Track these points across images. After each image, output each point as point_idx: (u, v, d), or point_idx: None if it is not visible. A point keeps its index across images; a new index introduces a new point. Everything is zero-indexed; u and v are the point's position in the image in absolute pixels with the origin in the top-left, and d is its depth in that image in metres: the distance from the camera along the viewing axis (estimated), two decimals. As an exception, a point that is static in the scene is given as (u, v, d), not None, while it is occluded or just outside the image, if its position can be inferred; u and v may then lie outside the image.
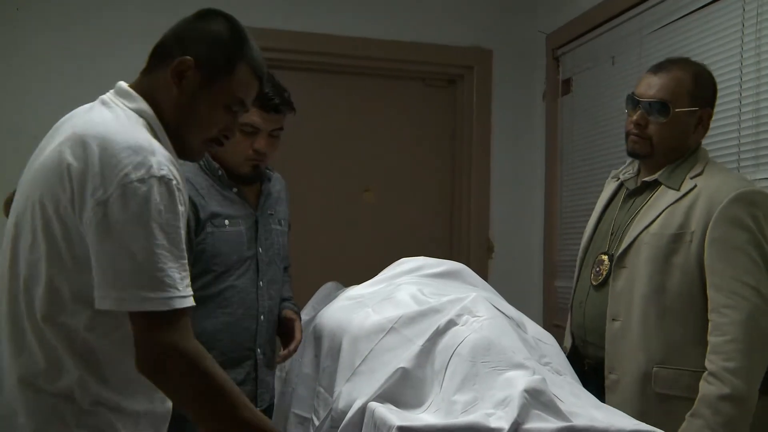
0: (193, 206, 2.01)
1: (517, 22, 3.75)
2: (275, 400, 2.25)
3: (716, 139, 2.48)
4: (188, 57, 1.42)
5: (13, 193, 1.51)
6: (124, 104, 1.42)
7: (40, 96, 3.20)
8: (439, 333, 1.73)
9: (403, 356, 1.70)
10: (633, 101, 2.10)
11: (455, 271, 2.19)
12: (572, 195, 3.47)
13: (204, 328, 1.96)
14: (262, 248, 2.16)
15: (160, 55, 1.47)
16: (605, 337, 2.05)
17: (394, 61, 3.63)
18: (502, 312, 1.86)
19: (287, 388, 2.21)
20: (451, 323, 1.76)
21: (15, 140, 3.17)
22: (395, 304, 1.88)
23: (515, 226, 3.76)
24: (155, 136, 1.39)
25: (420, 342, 1.72)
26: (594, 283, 2.13)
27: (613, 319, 2.04)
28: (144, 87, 1.45)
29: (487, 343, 1.67)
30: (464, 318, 1.78)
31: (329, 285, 2.50)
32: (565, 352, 2.04)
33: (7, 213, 1.57)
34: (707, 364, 1.87)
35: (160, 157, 1.31)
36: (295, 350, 2.15)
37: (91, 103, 1.47)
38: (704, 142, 2.47)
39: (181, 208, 1.33)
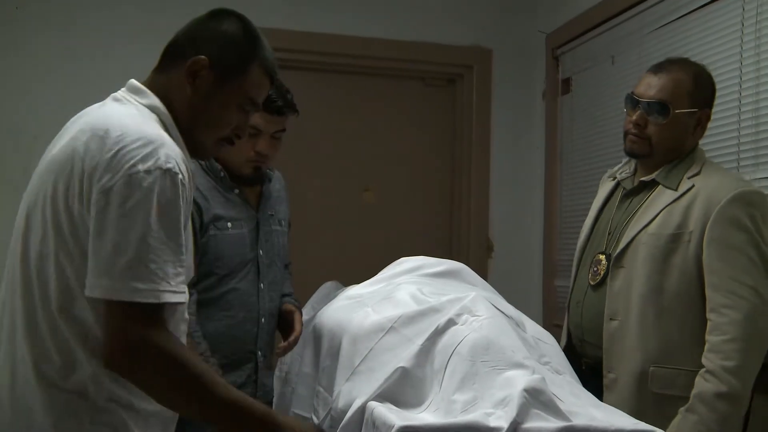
0: (197, 208, 2.01)
1: (517, 21, 3.75)
2: (275, 400, 2.25)
3: (716, 139, 2.48)
4: (202, 56, 1.43)
5: None
6: (137, 100, 1.43)
7: (40, 96, 3.20)
8: (439, 332, 1.73)
9: (403, 356, 1.69)
10: (632, 101, 2.10)
11: (455, 271, 2.18)
12: (572, 194, 3.47)
13: (206, 331, 1.96)
14: (262, 250, 2.16)
15: (173, 54, 1.48)
16: (603, 337, 2.06)
17: (393, 60, 3.64)
18: (502, 311, 1.86)
19: (287, 387, 2.21)
20: (450, 323, 1.76)
21: (15, 140, 3.18)
22: (395, 304, 1.88)
23: (515, 226, 3.77)
24: (167, 132, 1.40)
25: (419, 341, 1.71)
26: (592, 283, 2.14)
27: (610, 319, 2.05)
28: (157, 85, 1.45)
29: (487, 342, 1.67)
30: (464, 317, 1.78)
31: (329, 284, 2.50)
32: (561, 351, 2.05)
33: None
34: (705, 362, 1.88)
35: (169, 151, 1.32)
36: (295, 342, 2.14)
37: (103, 101, 1.47)
38: (704, 141, 2.48)
39: (183, 204, 1.32)
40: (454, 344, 1.68)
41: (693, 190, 2.00)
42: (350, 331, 1.84)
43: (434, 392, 1.64)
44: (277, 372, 2.30)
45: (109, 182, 1.27)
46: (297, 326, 2.17)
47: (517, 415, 1.45)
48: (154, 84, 1.46)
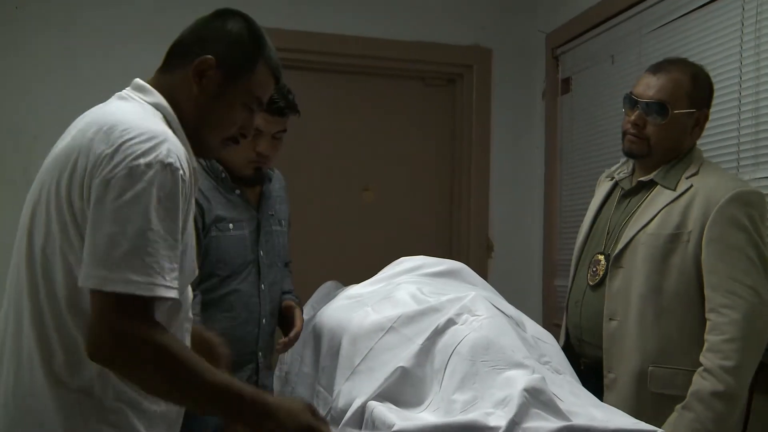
0: (199, 209, 2.01)
1: (517, 21, 3.75)
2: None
3: (715, 138, 2.48)
4: (209, 56, 1.43)
5: None
6: (141, 98, 1.44)
7: (40, 95, 3.20)
8: (439, 332, 1.73)
9: (403, 355, 1.70)
10: (631, 101, 2.10)
11: (455, 271, 2.19)
12: (572, 194, 3.47)
13: None
14: (263, 251, 2.16)
15: (178, 53, 1.48)
16: (603, 337, 2.06)
17: (393, 60, 3.63)
18: (502, 311, 1.86)
19: (287, 387, 2.21)
20: (450, 322, 1.76)
21: (15, 140, 3.18)
22: (395, 303, 1.88)
23: (515, 225, 3.77)
24: (171, 130, 1.40)
25: (419, 341, 1.72)
26: (591, 283, 2.14)
27: (610, 319, 2.05)
28: (162, 85, 1.46)
29: (487, 342, 1.67)
30: (464, 317, 1.78)
31: (328, 284, 2.50)
32: (559, 350, 2.05)
33: None
34: (703, 360, 1.89)
35: (171, 146, 1.32)
36: (295, 338, 2.14)
37: (108, 100, 1.48)
38: (704, 141, 2.48)
39: (183, 200, 1.32)
40: (454, 344, 1.69)
41: (691, 190, 2.01)
42: (350, 331, 1.84)
43: (434, 392, 1.64)
44: (276, 372, 2.30)
45: (109, 174, 1.27)
46: (298, 322, 2.17)
47: (516, 414, 1.45)
48: (159, 83, 1.46)
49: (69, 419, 1.32)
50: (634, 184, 2.17)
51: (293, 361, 2.22)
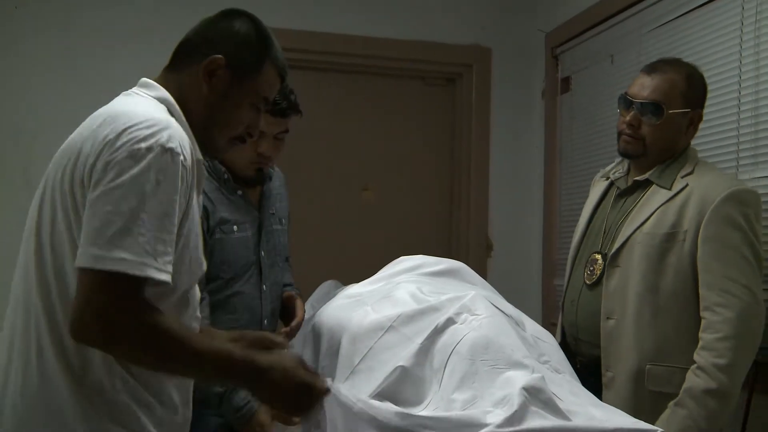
0: (204, 211, 2.00)
1: (517, 20, 3.76)
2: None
3: (715, 138, 2.49)
4: (219, 56, 1.44)
5: None
6: (146, 93, 1.45)
7: (40, 95, 3.20)
8: (438, 331, 1.73)
9: (402, 355, 1.70)
10: (626, 101, 2.12)
11: (454, 270, 2.19)
12: (571, 193, 3.47)
13: None
14: (264, 251, 2.16)
15: (185, 53, 1.49)
16: (600, 336, 2.07)
17: (393, 59, 3.64)
18: (501, 310, 1.86)
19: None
20: (450, 321, 1.76)
21: (14, 140, 3.18)
22: (394, 303, 1.88)
23: (514, 225, 3.77)
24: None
25: (419, 340, 1.72)
26: (588, 282, 2.15)
27: (607, 318, 2.06)
28: (170, 83, 1.47)
29: (486, 341, 1.67)
30: (463, 316, 1.78)
31: (328, 283, 2.50)
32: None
33: None
34: (697, 358, 1.91)
35: (173, 133, 1.32)
36: (297, 328, 2.15)
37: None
38: (703, 140, 2.49)
39: (183, 186, 1.32)
40: (453, 343, 1.69)
41: (687, 189, 2.02)
42: (350, 330, 1.84)
43: (433, 391, 1.64)
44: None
45: (110, 157, 1.28)
46: (299, 312, 2.18)
47: (516, 413, 1.45)
48: (167, 82, 1.47)
49: (87, 415, 1.31)
50: (629, 183, 2.18)
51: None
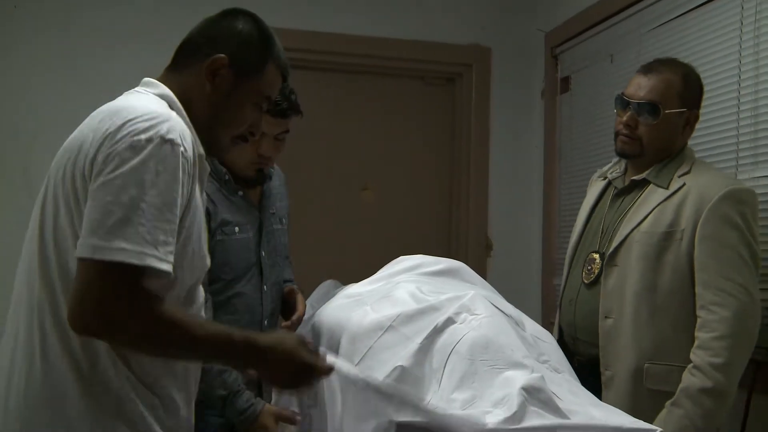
0: (206, 213, 2.00)
1: (516, 20, 3.76)
2: (273, 398, 2.25)
3: (714, 137, 2.49)
4: (222, 55, 1.45)
5: None
6: (147, 90, 1.45)
7: (39, 95, 3.20)
8: (438, 331, 1.73)
9: (402, 354, 1.70)
10: (623, 102, 2.13)
11: (454, 269, 2.19)
12: (570, 193, 3.47)
13: None
14: (265, 251, 2.16)
15: (188, 52, 1.49)
16: (599, 335, 2.08)
17: (393, 59, 3.64)
18: (501, 310, 1.86)
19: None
20: (449, 321, 1.76)
21: (14, 140, 3.18)
22: (394, 302, 1.88)
23: (514, 224, 3.77)
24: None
25: (418, 340, 1.72)
26: (586, 282, 2.16)
27: (605, 317, 2.07)
28: (173, 83, 1.47)
29: (486, 341, 1.67)
30: (463, 316, 1.78)
31: (327, 283, 2.50)
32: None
33: None
34: (693, 357, 1.91)
35: (174, 125, 1.33)
36: (298, 322, 2.15)
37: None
38: (702, 140, 2.49)
39: (184, 177, 1.32)
40: (453, 343, 1.69)
41: (684, 188, 2.03)
42: (349, 330, 1.84)
43: (433, 391, 1.64)
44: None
45: (110, 149, 1.28)
46: (300, 306, 2.18)
47: (515, 413, 1.46)
48: (169, 81, 1.47)
49: (93, 414, 1.31)
50: (627, 183, 2.19)
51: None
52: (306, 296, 2.46)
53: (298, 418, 1.92)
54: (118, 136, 1.29)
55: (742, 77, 2.40)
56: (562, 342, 2.23)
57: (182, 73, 1.48)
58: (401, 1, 3.63)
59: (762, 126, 2.32)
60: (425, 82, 3.80)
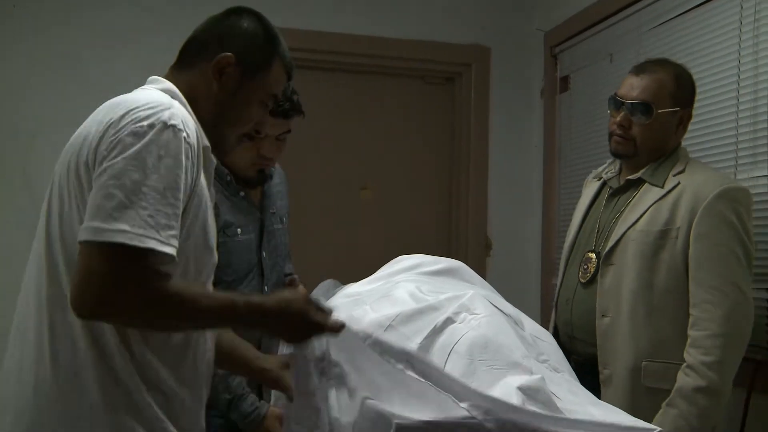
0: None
1: (516, 19, 3.76)
2: (272, 400, 2.25)
3: (714, 137, 2.49)
4: (229, 53, 1.45)
5: None
6: (152, 86, 1.46)
7: (39, 94, 3.20)
8: (437, 331, 1.73)
9: (401, 354, 1.69)
10: (616, 102, 2.15)
11: (453, 269, 2.18)
12: (570, 192, 3.47)
13: None
14: (265, 252, 2.16)
15: (193, 51, 1.50)
16: (596, 334, 2.09)
17: (392, 58, 3.64)
18: (500, 309, 1.86)
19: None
20: (449, 321, 1.75)
21: (14, 140, 3.17)
22: (393, 302, 1.88)
23: (513, 224, 3.77)
24: None
25: (418, 340, 1.71)
26: (582, 281, 2.17)
27: (602, 315, 2.08)
28: (179, 81, 1.47)
29: (485, 340, 1.67)
30: (462, 315, 1.77)
31: (326, 283, 2.48)
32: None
33: None
34: (686, 356, 1.93)
35: (176, 112, 1.33)
36: None
37: None
38: (701, 140, 2.50)
39: (187, 162, 1.32)
40: (452, 343, 1.68)
41: (679, 187, 2.05)
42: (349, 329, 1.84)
43: (432, 390, 1.64)
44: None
45: (113, 136, 1.29)
46: None
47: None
48: (175, 80, 1.47)
49: (103, 407, 1.31)
50: (622, 182, 2.20)
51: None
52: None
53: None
54: (121, 124, 1.30)
55: (741, 77, 2.40)
56: (558, 341, 2.23)
57: (188, 72, 1.48)
58: (401, 0, 3.63)
59: (761, 125, 2.32)
60: (425, 82, 3.81)
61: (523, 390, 1.50)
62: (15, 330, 1.41)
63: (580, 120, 3.39)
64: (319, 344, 1.56)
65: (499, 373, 1.60)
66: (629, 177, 2.17)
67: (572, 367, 1.98)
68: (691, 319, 1.95)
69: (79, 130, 1.40)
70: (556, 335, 2.27)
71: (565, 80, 3.56)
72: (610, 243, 2.10)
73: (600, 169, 2.36)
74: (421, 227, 3.75)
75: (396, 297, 1.91)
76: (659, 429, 1.52)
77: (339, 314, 1.51)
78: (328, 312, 1.49)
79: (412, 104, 3.78)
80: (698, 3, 2.61)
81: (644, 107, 2.08)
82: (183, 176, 1.30)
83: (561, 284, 2.31)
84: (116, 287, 1.22)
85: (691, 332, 1.94)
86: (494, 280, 2.50)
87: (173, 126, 1.30)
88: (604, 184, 2.30)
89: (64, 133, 1.46)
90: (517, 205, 3.78)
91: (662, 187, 2.07)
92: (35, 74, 3.21)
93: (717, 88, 2.48)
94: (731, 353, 1.91)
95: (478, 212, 3.73)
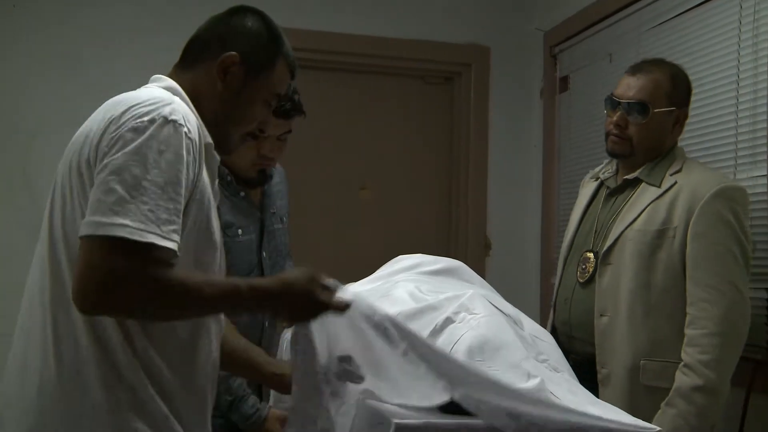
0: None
1: (515, 19, 3.76)
2: (270, 401, 2.25)
3: (713, 137, 2.49)
4: (234, 53, 1.45)
5: None
6: (154, 85, 1.46)
7: (38, 94, 3.20)
8: (437, 331, 1.73)
9: (401, 354, 1.69)
10: (612, 102, 2.16)
11: (452, 269, 2.18)
12: (569, 192, 3.46)
13: None
14: (266, 252, 2.15)
15: (197, 50, 1.50)
16: (594, 333, 2.09)
17: (391, 58, 3.64)
18: (500, 309, 1.86)
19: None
20: (448, 321, 1.76)
21: (13, 139, 3.17)
22: (393, 302, 1.88)
23: (512, 224, 3.77)
24: None
25: (417, 339, 1.71)
26: (581, 281, 2.18)
27: (601, 315, 2.09)
28: (182, 80, 1.47)
29: (484, 341, 1.67)
30: (461, 315, 1.78)
31: (326, 282, 2.49)
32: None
33: None
34: (683, 356, 1.94)
35: (177, 107, 1.33)
36: None
37: None
38: (701, 139, 2.50)
39: (189, 157, 1.31)
40: (451, 343, 1.68)
41: (676, 186, 2.06)
42: (348, 329, 1.84)
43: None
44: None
45: (114, 133, 1.29)
46: None
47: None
48: (178, 79, 1.47)
49: (108, 408, 1.30)
50: (619, 182, 2.21)
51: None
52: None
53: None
54: (121, 120, 1.30)
55: (740, 76, 2.40)
56: (556, 341, 2.24)
57: (192, 71, 1.48)
58: (400, 0, 3.63)
59: (760, 125, 2.32)
60: (424, 82, 3.81)
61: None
62: (19, 331, 1.41)
63: (580, 120, 3.39)
64: (323, 326, 1.53)
65: (498, 374, 1.60)
66: (626, 177, 2.17)
67: (571, 366, 1.99)
68: (688, 318, 1.95)
69: (81, 129, 1.40)
70: (554, 335, 2.27)
71: (564, 80, 3.56)
72: (608, 243, 2.11)
73: (597, 169, 2.37)
74: (420, 227, 3.75)
75: (395, 297, 1.91)
76: (660, 429, 1.53)
77: (344, 293, 1.48)
78: (333, 289, 1.46)
79: (412, 104, 3.78)
80: (697, 3, 2.61)
81: (641, 107, 2.09)
82: (184, 171, 1.30)
83: (559, 284, 2.31)
84: (118, 280, 1.22)
85: (688, 331, 1.95)
86: (493, 279, 2.50)
87: (174, 121, 1.30)
88: (601, 184, 2.30)
89: (64, 133, 1.46)
90: (517, 205, 3.78)
91: (659, 186, 2.08)
92: (35, 74, 3.21)
93: (716, 87, 2.48)
94: (728, 351, 1.92)
95: (477, 212, 3.73)
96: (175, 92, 1.42)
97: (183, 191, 1.30)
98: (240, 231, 2.07)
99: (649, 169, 2.13)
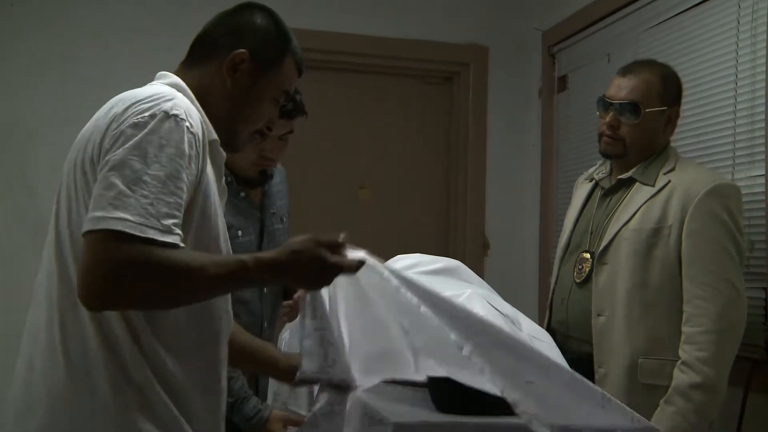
0: None
1: (514, 19, 3.76)
2: (269, 399, 2.26)
3: (711, 136, 2.49)
4: (243, 50, 1.44)
5: None
6: (159, 82, 1.45)
7: (37, 93, 3.20)
8: (436, 330, 1.73)
9: (400, 353, 1.69)
10: (604, 103, 2.18)
11: (451, 268, 2.18)
12: (568, 192, 3.45)
13: None
14: None
15: (205, 47, 1.49)
16: (592, 333, 2.10)
17: (390, 58, 3.64)
18: (498, 309, 1.87)
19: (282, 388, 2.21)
20: (447, 320, 1.75)
21: (12, 138, 3.17)
22: (391, 301, 1.88)
23: (511, 223, 3.77)
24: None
25: (416, 339, 1.71)
26: (577, 281, 2.19)
27: (598, 315, 2.10)
28: (189, 77, 1.46)
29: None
30: (460, 315, 1.78)
31: (325, 282, 2.49)
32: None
33: None
34: (681, 353, 1.95)
35: (179, 102, 1.32)
36: (296, 307, 2.14)
37: None
38: (699, 139, 2.50)
39: (191, 151, 1.30)
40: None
41: (670, 185, 2.07)
42: (347, 329, 1.84)
43: (430, 389, 1.64)
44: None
45: (116, 130, 1.29)
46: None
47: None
48: (185, 76, 1.46)
49: (115, 407, 1.29)
50: (613, 182, 2.22)
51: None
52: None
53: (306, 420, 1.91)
54: (123, 117, 1.30)
55: (738, 76, 2.40)
56: (554, 340, 2.25)
57: (199, 68, 1.47)
58: (400, 0, 3.63)
59: (758, 125, 2.33)
60: (423, 81, 3.81)
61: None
62: (27, 334, 1.40)
63: (578, 119, 3.40)
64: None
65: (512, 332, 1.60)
66: (620, 177, 2.19)
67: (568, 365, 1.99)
68: (684, 316, 1.97)
69: (84, 128, 1.39)
70: (551, 334, 2.28)
71: (563, 80, 3.56)
72: (604, 243, 2.12)
73: (591, 170, 2.39)
74: (419, 226, 3.75)
75: (394, 296, 1.90)
76: (659, 428, 1.53)
77: (355, 252, 1.45)
78: (342, 247, 1.43)
79: (410, 104, 3.78)
80: (696, 3, 2.62)
81: (632, 107, 2.11)
82: (186, 165, 1.29)
83: (555, 284, 2.32)
84: (121, 271, 1.20)
85: (684, 328, 1.96)
86: (492, 279, 2.51)
87: (175, 116, 1.29)
88: (596, 184, 2.31)
89: (63, 132, 1.45)
90: (515, 205, 3.78)
91: (653, 185, 2.10)
92: (34, 73, 3.21)
93: (714, 87, 2.48)
94: (725, 348, 1.93)
95: (475, 211, 3.74)
96: (179, 89, 1.41)
97: (184, 185, 1.29)
98: (240, 233, 2.07)
99: (643, 169, 2.14)
